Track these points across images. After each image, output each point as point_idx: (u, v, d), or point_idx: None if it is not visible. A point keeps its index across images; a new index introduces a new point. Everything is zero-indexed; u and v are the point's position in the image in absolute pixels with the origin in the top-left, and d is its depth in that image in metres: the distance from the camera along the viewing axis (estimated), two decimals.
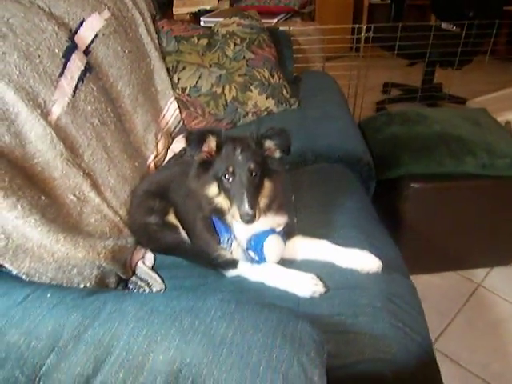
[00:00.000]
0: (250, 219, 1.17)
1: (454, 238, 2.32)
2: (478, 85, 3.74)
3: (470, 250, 2.39)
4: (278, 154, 1.27)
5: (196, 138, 1.23)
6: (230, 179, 1.21)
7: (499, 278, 2.43)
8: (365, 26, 3.23)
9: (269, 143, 1.25)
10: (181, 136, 2.22)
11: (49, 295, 1.01)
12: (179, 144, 2.13)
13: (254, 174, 1.20)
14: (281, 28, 3.05)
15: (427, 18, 5.25)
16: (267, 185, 1.26)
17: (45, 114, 1.34)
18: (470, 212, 2.25)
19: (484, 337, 2.11)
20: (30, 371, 0.85)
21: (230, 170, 1.20)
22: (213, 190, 1.25)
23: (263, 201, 1.26)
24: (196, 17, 3.56)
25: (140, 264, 1.47)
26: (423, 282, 2.34)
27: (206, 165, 1.25)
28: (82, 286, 1.26)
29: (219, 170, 1.22)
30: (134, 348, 0.85)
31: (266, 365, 0.80)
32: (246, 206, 1.16)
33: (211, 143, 1.23)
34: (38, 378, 0.84)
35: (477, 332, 2.13)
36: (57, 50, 1.48)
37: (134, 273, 1.45)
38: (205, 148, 1.24)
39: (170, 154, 2.11)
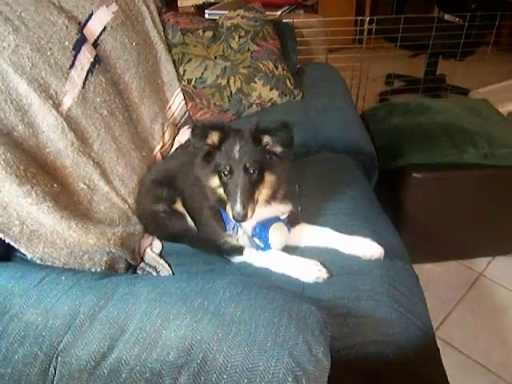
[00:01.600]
0: (241, 219, 1.20)
1: (455, 227, 2.33)
2: (481, 76, 3.73)
3: (471, 239, 2.41)
4: (278, 149, 1.26)
5: (199, 132, 1.25)
6: (228, 176, 1.23)
7: (501, 267, 2.45)
8: (367, 18, 3.23)
9: (267, 139, 1.24)
10: (186, 127, 2.24)
11: (64, 278, 1.05)
12: (185, 135, 2.16)
13: (251, 172, 1.22)
14: (284, 20, 3.06)
15: (430, 9, 5.23)
16: (268, 178, 1.27)
17: (56, 105, 1.38)
18: (471, 202, 2.26)
19: (486, 325, 2.13)
20: (48, 348, 0.88)
21: (228, 168, 1.22)
22: (215, 181, 1.28)
23: (265, 192, 1.28)
24: (200, 9, 3.58)
25: (148, 251, 1.51)
26: (425, 271, 2.38)
27: (209, 156, 1.27)
28: (92, 270, 1.31)
29: (219, 165, 1.24)
30: (147, 326, 0.89)
31: (272, 342, 0.84)
32: (238, 207, 1.19)
33: (214, 138, 1.25)
34: (55, 355, 0.87)
35: (478, 320, 2.15)
36: (67, 43, 1.52)
37: (142, 259, 1.49)
38: (208, 141, 1.26)
39: (175, 145, 2.14)
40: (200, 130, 1.25)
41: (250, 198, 1.22)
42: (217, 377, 0.80)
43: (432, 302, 2.12)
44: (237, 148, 1.22)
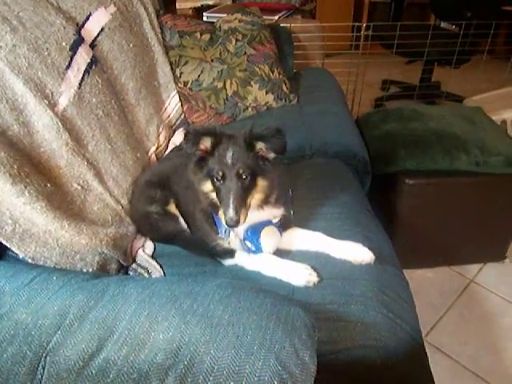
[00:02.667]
0: (233, 224, 1.21)
1: (447, 233, 2.35)
2: (476, 83, 3.75)
3: (462, 245, 2.43)
4: (271, 155, 1.27)
5: (192, 138, 1.25)
6: (221, 181, 1.24)
7: (492, 273, 2.46)
8: (364, 25, 3.26)
9: (260, 145, 1.25)
10: (182, 129, 2.26)
11: (55, 278, 1.06)
12: (180, 136, 2.16)
13: (243, 177, 1.23)
14: (282, 25, 3.08)
15: (427, 16, 5.27)
16: (261, 183, 1.27)
17: (52, 105, 1.39)
18: (463, 208, 2.28)
19: (475, 331, 2.14)
20: (37, 348, 0.89)
21: (220, 173, 1.23)
22: (207, 186, 1.29)
23: (257, 197, 1.29)
24: (199, 12, 3.60)
25: (140, 252, 1.52)
26: (416, 277, 2.39)
27: (202, 162, 1.28)
28: (84, 270, 1.31)
29: (212, 171, 1.25)
30: (136, 327, 0.90)
31: (259, 345, 0.85)
32: (231, 212, 1.20)
33: (206, 143, 1.26)
34: (44, 354, 0.88)
35: (468, 326, 2.16)
36: (64, 44, 1.52)
37: (134, 260, 1.50)
38: (201, 146, 1.26)
39: (170, 146, 2.16)
40: (192, 136, 1.26)
41: (242, 204, 1.23)
42: (203, 379, 0.81)
43: (423, 308, 2.14)
44: (230, 154, 1.23)
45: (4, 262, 1.24)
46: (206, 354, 0.84)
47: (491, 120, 2.58)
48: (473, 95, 3.66)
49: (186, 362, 0.83)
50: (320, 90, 2.69)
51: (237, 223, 1.21)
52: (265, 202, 1.33)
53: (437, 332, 2.13)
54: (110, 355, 0.86)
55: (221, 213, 1.25)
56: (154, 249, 1.55)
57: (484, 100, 3.41)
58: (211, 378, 0.81)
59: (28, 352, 0.89)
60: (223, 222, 1.24)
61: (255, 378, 0.80)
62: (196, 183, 1.33)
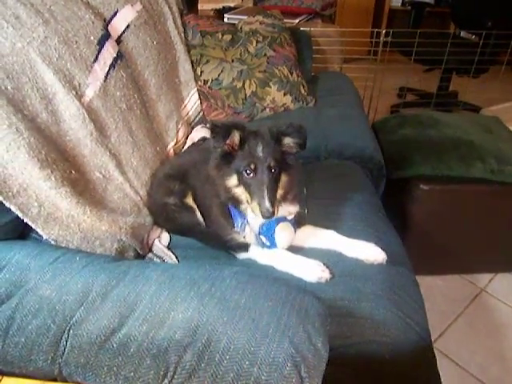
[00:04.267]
0: (269, 215, 1.23)
1: (459, 241, 2.34)
2: (494, 94, 3.74)
3: (474, 254, 2.42)
4: (294, 150, 1.32)
5: (222, 131, 1.27)
6: (251, 175, 1.27)
7: (502, 283, 2.46)
8: (384, 31, 3.27)
9: (288, 140, 1.30)
10: (200, 126, 2.29)
11: (78, 258, 1.10)
12: (198, 133, 2.20)
13: (273, 171, 1.27)
14: (302, 28, 3.11)
15: (447, 25, 5.26)
16: (284, 178, 1.32)
17: (79, 96, 1.42)
18: (476, 216, 2.28)
19: (484, 340, 2.14)
20: (60, 321, 0.93)
21: (252, 166, 1.26)
22: (232, 181, 1.31)
23: (279, 192, 1.32)
24: (220, 13, 3.64)
25: (156, 242, 1.55)
26: (427, 283, 2.38)
27: (227, 157, 1.31)
28: None
29: (241, 165, 1.28)
30: (156, 306, 0.93)
31: (274, 328, 0.88)
32: (267, 204, 1.23)
33: (235, 137, 1.28)
34: (67, 327, 0.92)
35: (477, 335, 2.16)
36: (92, 38, 1.56)
37: (150, 250, 1.53)
38: (229, 141, 1.29)
39: (188, 143, 2.18)
40: (222, 130, 1.27)
41: (275, 196, 1.27)
42: (220, 357, 0.84)
43: (432, 314, 2.14)
44: (260, 147, 1.27)
45: (30, 241, 1.29)
46: (223, 334, 0.87)
47: (508, 130, 2.57)
48: (490, 106, 3.64)
49: (203, 341, 0.87)
50: (337, 94, 2.72)
51: (273, 214, 1.24)
52: (284, 198, 1.36)
53: (445, 339, 2.13)
54: (130, 331, 0.90)
55: (254, 205, 1.27)
56: (170, 240, 1.58)
57: (501, 111, 3.39)
58: (227, 357, 0.84)
59: (52, 325, 0.93)
60: (258, 215, 1.26)
61: (269, 360, 0.84)
62: (219, 178, 1.35)
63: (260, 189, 1.25)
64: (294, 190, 1.40)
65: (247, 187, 1.29)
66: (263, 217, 1.24)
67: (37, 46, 1.33)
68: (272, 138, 1.29)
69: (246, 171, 1.27)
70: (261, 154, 1.26)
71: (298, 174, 1.39)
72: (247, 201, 1.30)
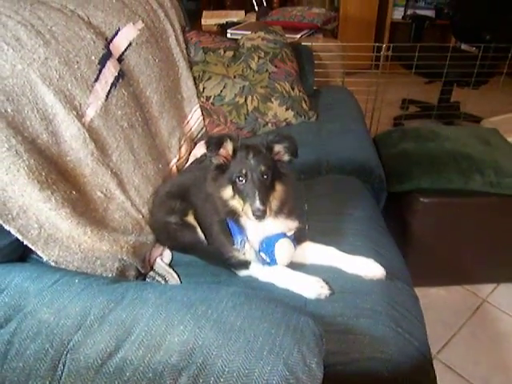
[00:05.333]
0: (260, 214, 1.24)
1: (461, 252, 2.35)
2: (494, 104, 3.74)
3: (476, 265, 2.42)
4: (286, 158, 1.35)
5: (214, 141, 1.32)
6: (244, 181, 1.29)
7: (505, 294, 2.45)
8: (385, 45, 3.29)
9: (278, 147, 1.33)
10: (203, 142, 2.31)
11: (77, 281, 1.11)
12: (201, 149, 2.21)
13: (265, 177, 1.29)
14: (303, 43, 3.13)
15: (447, 37, 5.28)
16: (278, 187, 1.33)
17: (80, 116, 1.44)
18: (477, 228, 2.28)
19: (487, 351, 2.13)
20: (58, 345, 0.94)
21: (244, 172, 1.28)
22: (228, 192, 1.33)
23: (274, 203, 1.33)
24: (223, 28, 3.66)
25: (158, 260, 1.56)
26: (429, 295, 2.39)
27: (222, 168, 1.33)
28: (104, 276, 1.35)
29: (234, 173, 1.30)
30: (153, 330, 0.94)
31: (268, 350, 0.88)
32: (257, 202, 1.24)
33: (228, 147, 1.32)
34: (65, 352, 0.93)
35: (480, 346, 2.16)
36: (93, 57, 1.59)
37: (152, 268, 1.54)
38: (222, 152, 1.32)
39: (191, 159, 2.20)
40: (214, 140, 1.32)
41: (267, 198, 1.28)
42: (214, 380, 0.85)
43: (435, 326, 2.14)
44: (251, 155, 1.29)
45: (29, 264, 1.30)
46: (218, 357, 0.88)
47: (506, 141, 2.58)
48: (491, 116, 3.66)
49: (198, 364, 0.87)
50: (339, 108, 2.72)
51: (264, 213, 1.25)
52: (279, 210, 1.37)
53: (448, 350, 2.13)
54: (127, 355, 0.91)
55: (247, 207, 1.28)
56: (172, 258, 1.59)
57: (502, 121, 3.40)
58: (222, 380, 0.85)
59: (50, 349, 0.93)
60: (250, 215, 1.27)
61: (263, 382, 0.84)
62: (215, 190, 1.37)
63: (252, 191, 1.27)
64: (290, 204, 1.40)
65: (240, 194, 1.30)
66: (255, 217, 1.25)
67: (37, 67, 1.35)
68: (263, 147, 1.32)
69: (238, 178, 1.29)
70: (252, 161, 1.29)
71: (292, 184, 1.40)
72: (242, 209, 1.32)
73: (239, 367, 0.86)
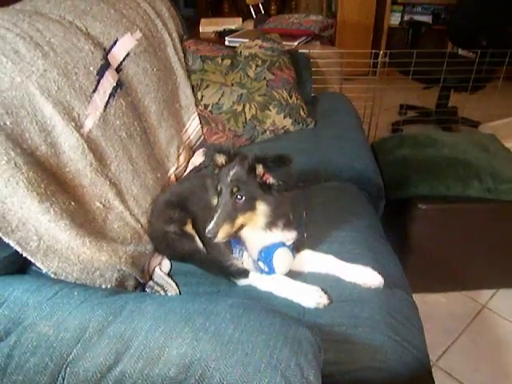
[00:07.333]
0: (211, 236, 1.26)
1: (459, 259, 2.35)
2: (492, 109, 3.75)
3: (475, 271, 2.42)
4: (271, 180, 1.29)
5: (210, 153, 1.35)
6: (219, 196, 1.31)
7: (504, 299, 2.45)
8: (382, 52, 3.30)
9: (260, 169, 1.28)
10: (201, 150, 2.32)
11: (76, 293, 1.11)
12: (199, 157, 2.21)
13: (237, 197, 1.28)
14: (300, 50, 3.14)
15: (444, 43, 5.30)
16: (260, 207, 1.30)
17: (78, 127, 1.45)
18: (475, 234, 2.29)
19: (487, 357, 2.13)
20: (58, 359, 0.94)
21: (219, 188, 1.30)
22: (215, 201, 1.34)
23: (260, 220, 1.32)
24: (221, 36, 3.67)
25: (157, 270, 1.56)
26: (429, 301, 2.38)
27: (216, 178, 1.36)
28: (103, 287, 1.36)
29: (217, 186, 1.32)
30: (152, 343, 0.94)
31: (266, 363, 0.89)
32: (211, 225, 1.26)
33: (221, 159, 1.34)
34: (65, 365, 0.93)
35: (480, 352, 2.15)
36: (92, 68, 1.59)
37: (151, 278, 1.54)
38: (218, 162, 1.34)
39: (190, 167, 2.20)
40: (211, 152, 1.36)
41: (227, 221, 1.27)
42: None
43: (435, 332, 2.14)
44: (231, 172, 1.29)
45: (28, 276, 1.31)
46: (216, 370, 0.88)
47: (504, 147, 2.59)
48: (489, 121, 3.67)
49: (197, 377, 0.88)
50: (336, 115, 2.73)
51: (214, 236, 1.26)
52: (271, 225, 1.36)
53: (448, 357, 2.12)
54: (126, 368, 0.91)
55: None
56: (171, 267, 1.59)
57: (500, 126, 3.42)
58: None
59: (49, 363, 0.94)
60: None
61: None
62: (211, 198, 1.39)
63: (215, 210, 1.28)
64: (285, 218, 1.40)
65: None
66: (206, 235, 1.27)
67: (36, 79, 1.35)
68: (247, 165, 1.29)
69: (217, 192, 1.32)
70: (228, 178, 1.28)
71: (287, 203, 1.39)
72: None
73: (237, 380, 0.86)
